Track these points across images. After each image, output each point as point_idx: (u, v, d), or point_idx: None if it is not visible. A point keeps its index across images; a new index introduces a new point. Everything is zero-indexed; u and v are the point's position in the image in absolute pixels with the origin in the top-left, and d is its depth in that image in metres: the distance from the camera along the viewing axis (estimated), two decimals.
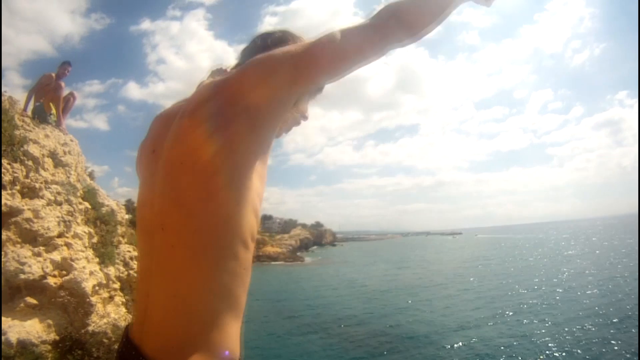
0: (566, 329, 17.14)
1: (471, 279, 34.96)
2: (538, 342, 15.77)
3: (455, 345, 16.08)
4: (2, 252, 3.74)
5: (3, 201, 3.94)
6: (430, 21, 0.95)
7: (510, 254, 58.15)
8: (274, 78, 0.84)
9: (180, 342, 0.80)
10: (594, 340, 15.53)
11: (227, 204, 0.84)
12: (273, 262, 58.32)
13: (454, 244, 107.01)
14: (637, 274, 26.70)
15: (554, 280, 31.42)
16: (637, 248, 39.57)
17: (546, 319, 19.29)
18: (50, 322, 3.89)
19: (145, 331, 0.85)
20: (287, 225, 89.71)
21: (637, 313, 17.79)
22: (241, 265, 0.87)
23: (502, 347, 15.51)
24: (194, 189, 0.83)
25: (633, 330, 15.99)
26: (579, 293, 25.32)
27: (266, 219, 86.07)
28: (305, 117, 1.23)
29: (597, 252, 51.75)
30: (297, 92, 0.90)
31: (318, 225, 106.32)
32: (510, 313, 21.14)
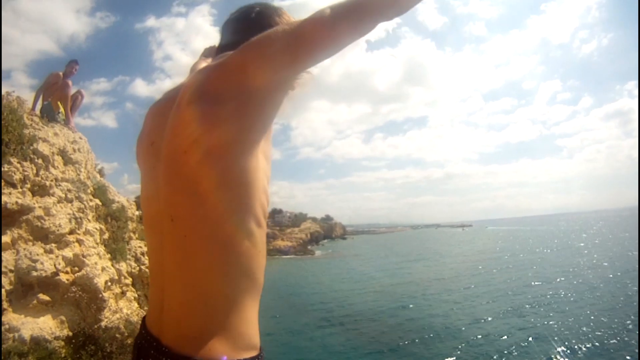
0: (584, 324, 16.82)
1: (485, 271, 34.44)
2: (556, 337, 15.41)
3: (471, 339, 15.92)
4: (15, 250, 3.78)
5: (14, 199, 3.98)
6: None
7: (524, 246, 57.51)
8: (272, 60, 0.82)
9: (200, 330, 0.81)
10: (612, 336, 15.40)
11: (236, 187, 0.83)
12: (284, 256, 58.59)
13: (465, 236, 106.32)
14: (638, 269, 26.51)
15: (570, 272, 30.99)
16: (637, 242, 39.05)
17: (566, 311, 18.99)
18: (63, 318, 3.93)
19: (165, 322, 0.85)
20: (297, 219, 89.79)
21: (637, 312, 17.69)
22: (256, 244, 0.87)
23: (520, 342, 15.28)
24: (200, 177, 0.82)
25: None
26: (595, 285, 24.89)
27: (276, 212, 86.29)
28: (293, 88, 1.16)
29: (609, 244, 51.10)
30: (296, 70, 0.89)
31: (328, 218, 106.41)
32: (527, 306, 20.76)
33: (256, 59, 0.83)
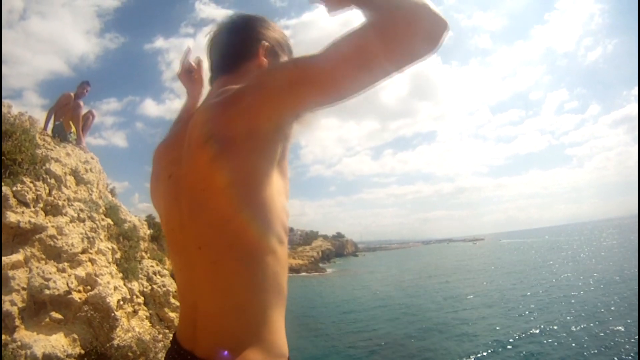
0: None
1: (506, 287, 32.80)
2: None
3: None
4: (27, 268, 3.79)
5: (27, 218, 4.01)
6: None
7: (545, 259, 55.98)
8: (274, 102, 0.83)
9: (235, 342, 0.86)
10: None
11: (258, 211, 0.87)
12: (295, 274, 58.28)
13: (478, 250, 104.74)
14: (638, 275, 26.13)
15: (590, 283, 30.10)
16: (637, 249, 38.17)
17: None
18: (75, 336, 3.92)
19: (199, 337, 0.91)
20: (308, 237, 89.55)
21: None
22: (279, 259, 0.92)
23: None
24: (221, 210, 0.86)
25: None
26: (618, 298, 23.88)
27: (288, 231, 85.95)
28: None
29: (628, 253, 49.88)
30: (300, 110, 0.87)
31: (339, 236, 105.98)
32: (561, 323, 19.24)
33: (264, 102, 0.84)
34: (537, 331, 18.34)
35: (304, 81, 0.80)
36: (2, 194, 3.88)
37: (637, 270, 28.94)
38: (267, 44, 1.12)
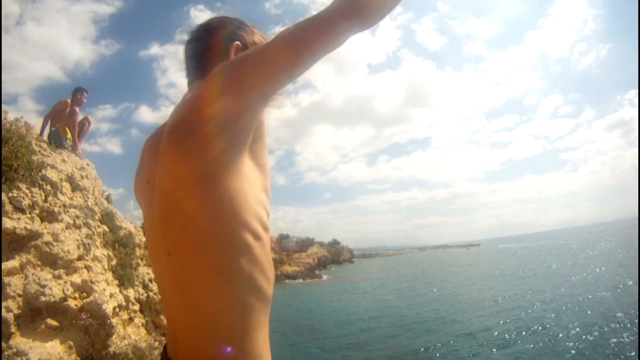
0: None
1: (512, 293, 31.52)
2: None
3: None
4: (23, 275, 3.77)
5: (23, 225, 3.99)
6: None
7: (549, 262, 55.43)
8: (242, 90, 0.83)
9: (211, 355, 0.82)
10: None
11: (227, 205, 0.84)
12: (291, 281, 58.09)
13: (475, 256, 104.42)
14: (638, 278, 25.94)
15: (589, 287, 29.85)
16: (637, 252, 38.23)
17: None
18: (71, 343, 3.89)
19: (179, 349, 0.87)
20: (304, 244, 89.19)
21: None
22: (255, 257, 0.87)
23: None
24: (189, 210, 0.83)
25: None
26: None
27: (283, 238, 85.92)
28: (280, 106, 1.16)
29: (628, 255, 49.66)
30: (268, 94, 0.89)
31: (335, 242, 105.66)
32: (573, 331, 18.39)
33: (223, 92, 0.83)
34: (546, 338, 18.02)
35: (271, 65, 0.84)
36: None
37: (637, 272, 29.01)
38: (239, 44, 1.08)
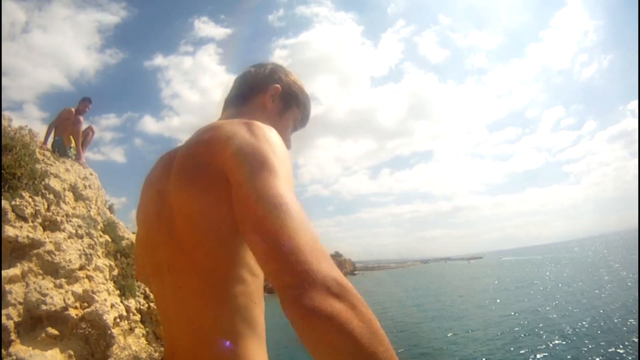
0: None
1: (524, 307, 29.37)
2: None
3: None
4: (24, 283, 3.76)
5: (25, 233, 3.99)
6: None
7: (557, 274, 54.61)
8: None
9: None
10: None
11: (226, 241, 0.85)
12: None
13: (483, 269, 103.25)
14: (637, 287, 25.70)
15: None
16: (637, 262, 37.72)
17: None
18: (71, 352, 3.86)
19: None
20: None
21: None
22: (250, 293, 0.88)
23: None
24: (194, 238, 0.86)
25: None
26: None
27: None
28: (288, 148, 1.20)
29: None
30: None
31: (337, 255, 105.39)
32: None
33: (235, 164, 0.82)
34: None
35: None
36: (1, 207, 3.87)
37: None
38: (277, 85, 1.18)
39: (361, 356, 0.55)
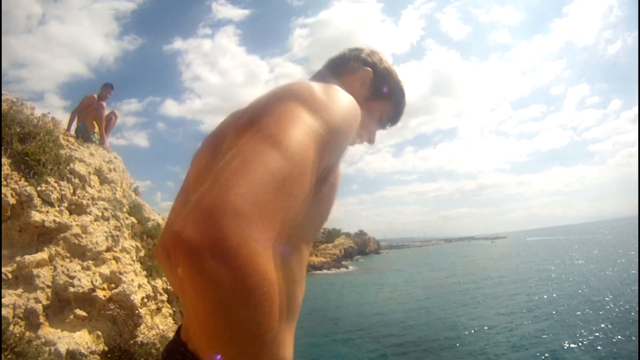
0: None
1: (552, 289, 29.35)
2: None
3: None
4: (52, 267, 3.87)
5: (52, 217, 4.09)
6: None
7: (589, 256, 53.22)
8: None
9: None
10: None
11: None
12: (317, 272, 58.39)
13: (502, 249, 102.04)
14: (637, 276, 25.39)
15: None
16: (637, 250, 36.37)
17: None
18: (99, 333, 3.98)
19: (191, 332, 0.88)
20: (331, 235, 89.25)
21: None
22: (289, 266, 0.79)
23: None
24: None
25: None
26: None
27: None
28: (370, 141, 1.21)
29: None
30: None
31: (362, 233, 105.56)
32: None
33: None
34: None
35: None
36: (27, 193, 3.96)
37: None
38: (369, 69, 1.13)
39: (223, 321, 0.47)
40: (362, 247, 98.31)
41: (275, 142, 0.60)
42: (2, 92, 5.31)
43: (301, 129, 0.64)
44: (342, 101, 0.79)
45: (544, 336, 17.47)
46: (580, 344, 15.85)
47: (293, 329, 0.84)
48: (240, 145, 0.61)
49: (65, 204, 4.47)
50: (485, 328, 19.94)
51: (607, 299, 23.46)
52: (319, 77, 1.15)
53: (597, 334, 16.90)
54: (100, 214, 5.01)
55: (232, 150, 0.60)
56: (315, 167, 0.65)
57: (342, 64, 1.16)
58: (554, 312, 22.01)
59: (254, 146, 0.59)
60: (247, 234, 0.48)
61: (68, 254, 4.14)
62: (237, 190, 0.51)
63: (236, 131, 0.74)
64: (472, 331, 19.35)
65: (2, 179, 3.84)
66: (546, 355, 14.87)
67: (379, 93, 1.15)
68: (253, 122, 0.67)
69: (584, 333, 17.12)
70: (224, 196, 0.50)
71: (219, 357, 0.50)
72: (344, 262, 71.75)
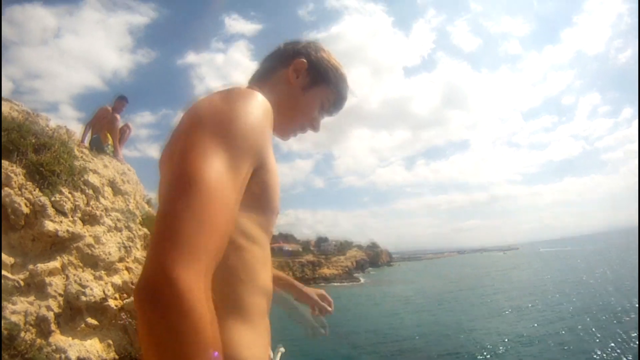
0: None
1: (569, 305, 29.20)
2: None
3: None
4: (64, 275, 3.91)
5: (65, 227, 4.14)
6: None
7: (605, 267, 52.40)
8: None
9: None
10: None
11: None
12: (328, 284, 58.06)
13: (514, 259, 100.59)
14: (637, 283, 25.31)
15: None
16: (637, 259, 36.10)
17: None
18: (110, 342, 4.00)
19: None
20: (343, 247, 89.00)
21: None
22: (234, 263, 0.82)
23: None
24: None
25: None
26: None
27: (322, 241, 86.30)
28: (314, 129, 1.23)
29: None
30: None
31: (374, 246, 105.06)
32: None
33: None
34: None
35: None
36: (41, 203, 4.02)
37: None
38: (303, 60, 1.14)
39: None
40: (374, 259, 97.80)
41: (192, 182, 0.66)
42: (18, 102, 5.45)
43: (209, 158, 0.70)
44: (242, 108, 0.82)
45: (565, 348, 17.17)
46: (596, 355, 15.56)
47: (256, 326, 0.83)
48: (164, 196, 0.69)
49: (79, 214, 4.53)
50: (506, 340, 19.65)
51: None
52: (253, 78, 1.20)
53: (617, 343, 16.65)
54: (113, 224, 5.06)
55: (159, 205, 0.70)
56: (237, 185, 0.73)
57: (276, 59, 1.18)
58: (577, 326, 21.60)
59: (175, 194, 0.66)
60: (174, 275, 0.56)
61: (81, 264, 4.18)
62: (165, 258, 0.58)
63: (166, 163, 0.89)
64: (488, 346, 19.03)
65: (17, 189, 3.91)
66: None
67: (316, 80, 1.16)
68: (172, 160, 0.76)
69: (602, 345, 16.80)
70: (156, 272, 0.57)
71: None
72: (355, 274, 71.30)
